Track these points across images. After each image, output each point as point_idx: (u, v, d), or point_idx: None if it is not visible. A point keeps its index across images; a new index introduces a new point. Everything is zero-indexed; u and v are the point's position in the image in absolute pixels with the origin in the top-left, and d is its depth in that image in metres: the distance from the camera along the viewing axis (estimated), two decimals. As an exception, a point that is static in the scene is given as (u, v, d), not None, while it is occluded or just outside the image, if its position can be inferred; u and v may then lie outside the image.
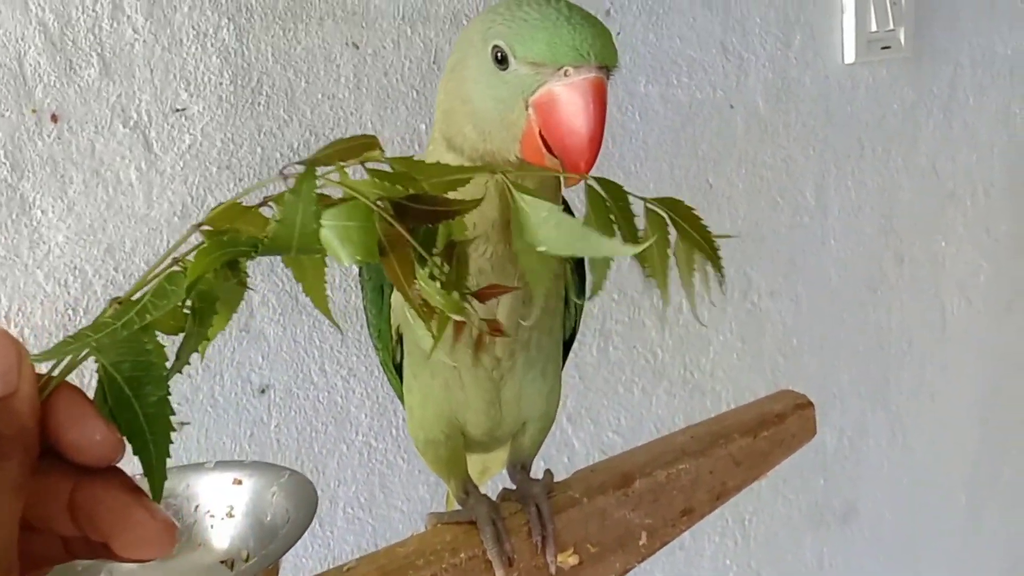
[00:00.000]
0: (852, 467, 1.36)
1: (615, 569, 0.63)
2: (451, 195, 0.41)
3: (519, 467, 0.65)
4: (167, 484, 0.58)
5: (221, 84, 0.80)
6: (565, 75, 0.46)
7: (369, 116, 0.87)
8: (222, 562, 0.56)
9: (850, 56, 1.23)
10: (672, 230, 0.50)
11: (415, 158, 0.41)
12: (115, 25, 0.76)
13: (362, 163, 0.40)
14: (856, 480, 1.37)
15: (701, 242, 0.51)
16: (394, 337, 0.62)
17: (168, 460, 0.36)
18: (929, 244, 1.39)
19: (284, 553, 0.48)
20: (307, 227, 0.36)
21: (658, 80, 1.06)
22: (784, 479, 1.28)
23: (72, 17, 0.74)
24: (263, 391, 0.85)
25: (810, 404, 0.74)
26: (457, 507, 0.63)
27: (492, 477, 0.75)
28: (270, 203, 0.38)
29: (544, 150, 0.48)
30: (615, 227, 0.48)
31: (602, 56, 0.46)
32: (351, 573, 0.56)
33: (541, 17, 0.47)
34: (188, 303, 0.37)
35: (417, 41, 0.88)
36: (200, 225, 0.37)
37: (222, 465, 0.58)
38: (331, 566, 0.72)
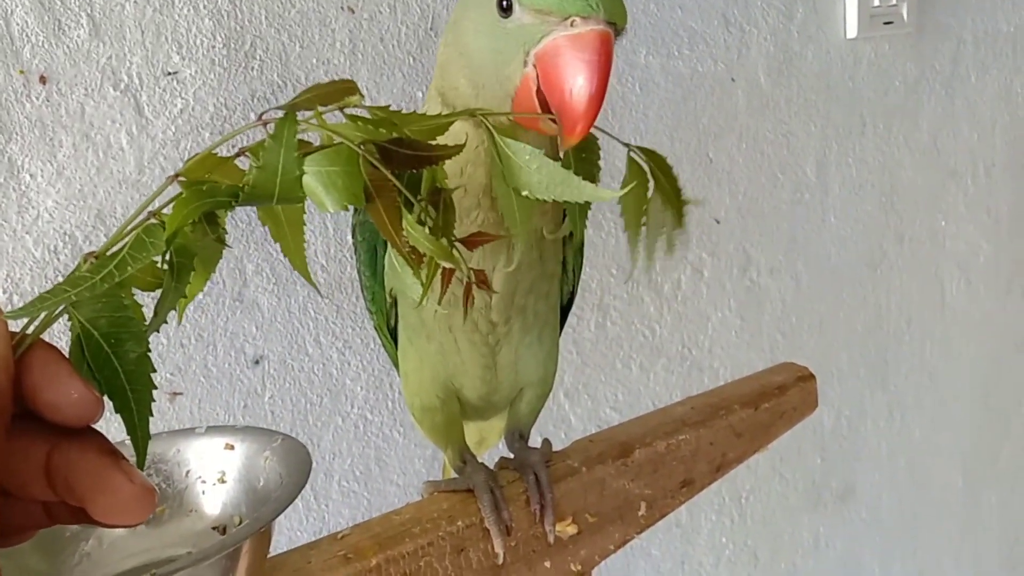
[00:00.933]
0: (850, 447, 1.35)
1: (614, 539, 0.62)
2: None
3: (517, 436, 0.64)
4: (157, 449, 0.57)
5: (214, 47, 0.78)
6: (571, 25, 0.45)
7: (365, 82, 0.85)
8: (214, 528, 0.55)
9: (852, 31, 1.21)
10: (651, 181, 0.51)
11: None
12: (105, -15, 0.74)
13: (341, 109, 0.39)
14: (854, 460, 1.36)
15: (673, 198, 0.52)
16: (388, 300, 0.60)
17: (151, 419, 0.35)
18: (929, 223, 1.38)
19: (277, 516, 0.47)
20: (289, 173, 0.35)
21: (659, 51, 1.05)
22: (781, 458, 1.27)
23: (61, -24, 0.72)
24: (257, 362, 0.84)
25: (812, 376, 0.73)
26: (454, 475, 0.62)
27: (490, 448, 0.74)
28: (247, 153, 0.37)
29: (539, 109, 0.47)
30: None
31: (611, 11, 0.45)
32: (345, 540, 0.56)
33: None
34: (166, 258, 0.35)
35: (414, 6, 0.87)
36: (176, 176, 0.35)
37: (213, 430, 0.57)
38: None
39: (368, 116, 0.38)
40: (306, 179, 0.36)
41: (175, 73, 0.77)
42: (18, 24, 0.71)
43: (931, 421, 1.45)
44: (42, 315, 0.33)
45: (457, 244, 0.41)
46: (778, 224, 1.20)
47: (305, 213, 0.39)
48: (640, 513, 0.63)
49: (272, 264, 0.83)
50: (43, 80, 0.73)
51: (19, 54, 0.72)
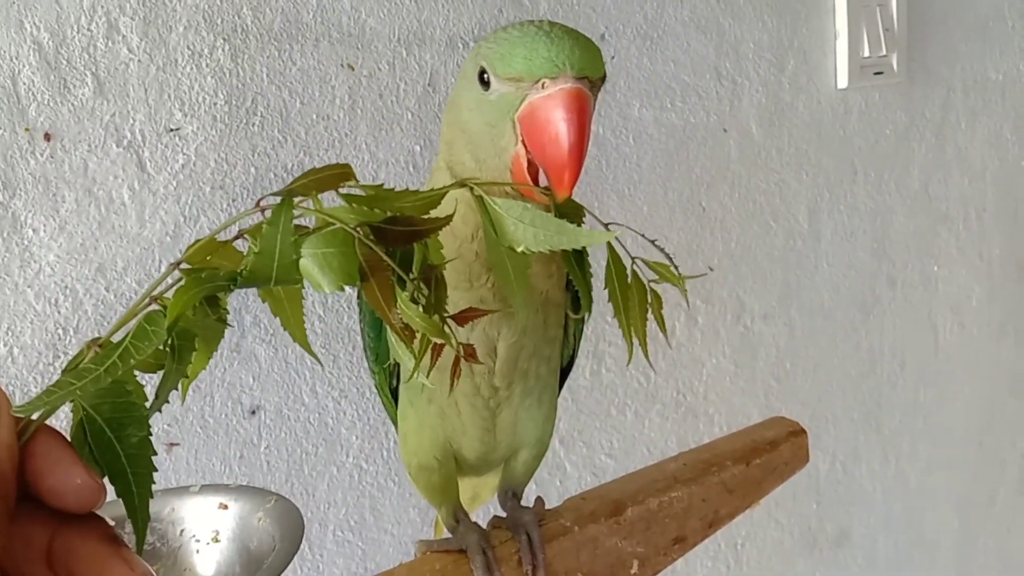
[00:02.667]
0: (845, 491, 1.35)
1: (606, 598, 0.62)
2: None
3: (510, 494, 0.65)
4: (151, 508, 0.58)
5: (215, 104, 0.80)
6: (543, 88, 0.46)
7: (364, 138, 0.87)
8: (208, 587, 0.56)
9: (843, 81, 1.23)
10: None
11: (404, 189, 0.41)
12: (110, 44, 0.76)
13: (337, 192, 0.40)
14: (849, 504, 1.36)
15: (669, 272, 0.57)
16: (391, 361, 0.61)
17: (150, 500, 0.35)
18: (922, 267, 1.40)
19: (269, 584, 0.48)
20: (286, 257, 0.36)
21: (652, 104, 1.06)
22: (777, 503, 1.27)
23: (67, 36, 0.74)
24: (253, 412, 0.85)
25: (803, 431, 0.73)
26: (446, 534, 0.62)
27: (483, 504, 0.75)
28: (245, 235, 0.38)
29: (530, 181, 0.48)
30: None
31: (580, 66, 0.46)
32: (339, 601, 0.56)
33: (521, 35, 0.47)
34: (167, 342, 0.36)
35: (413, 63, 0.88)
36: (179, 264, 0.37)
37: (207, 489, 0.58)
38: (319, 593, 0.71)
39: (362, 194, 0.40)
40: (302, 262, 0.37)
41: (177, 129, 0.78)
42: (25, 83, 0.73)
43: (926, 464, 1.46)
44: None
45: (449, 320, 0.42)
46: (771, 271, 1.21)
47: (303, 287, 0.40)
48: (633, 571, 0.63)
49: (269, 315, 0.84)
50: (48, 137, 0.74)
51: (25, 112, 0.73)
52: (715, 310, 1.17)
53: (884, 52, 1.26)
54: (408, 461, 0.64)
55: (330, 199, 0.39)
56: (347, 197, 0.39)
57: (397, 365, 0.63)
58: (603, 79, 0.49)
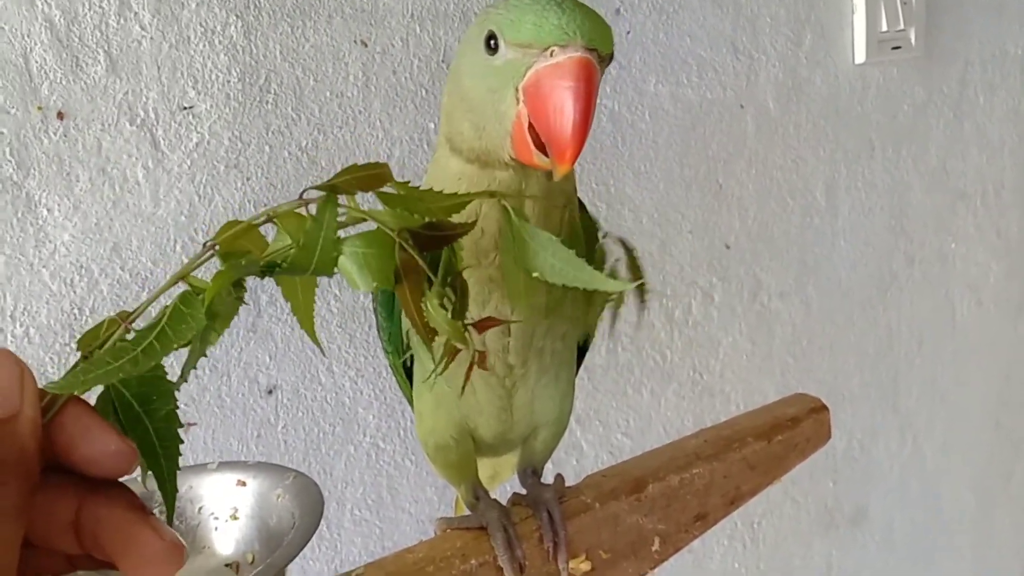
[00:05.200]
0: (862, 470, 1.35)
1: (628, 575, 0.62)
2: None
3: (530, 472, 0.64)
4: (171, 484, 0.58)
5: (229, 82, 0.79)
6: (551, 55, 0.45)
7: (377, 114, 0.86)
8: (227, 565, 0.55)
9: (860, 56, 1.22)
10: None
11: (423, 176, 0.41)
12: (122, 22, 0.75)
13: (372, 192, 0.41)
14: (866, 483, 1.36)
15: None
16: (405, 341, 0.61)
17: (178, 471, 0.35)
18: (939, 244, 1.38)
19: (290, 561, 0.47)
20: (327, 253, 0.37)
21: (668, 79, 1.05)
22: (793, 482, 1.27)
23: (79, 14, 0.73)
24: (270, 392, 0.84)
25: (825, 408, 0.73)
26: (467, 512, 0.62)
27: (502, 483, 0.74)
28: (274, 220, 0.38)
29: (532, 145, 0.47)
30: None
31: (590, 37, 0.45)
32: (360, 579, 0.56)
33: (533, 1, 0.46)
34: None
35: (426, 39, 0.87)
36: (213, 246, 0.37)
37: (225, 466, 0.58)
38: (337, 569, 0.71)
39: (397, 194, 0.41)
40: (341, 259, 0.38)
41: (191, 108, 0.78)
42: (37, 61, 0.72)
43: (943, 442, 1.45)
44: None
45: (470, 327, 0.43)
46: (788, 248, 1.20)
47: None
48: (654, 548, 0.63)
49: (285, 295, 0.84)
50: (61, 116, 0.73)
51: (37, 91, 0.72)
52: (731, 288, 1.16)
53: (902, 26, 1.24)
54: (425, 440, 0.63)
55: (363, 199, 0.40)
56: (384, 198, 0.40)
57: (410, 344, 0.62)
58: (611, 58, 0.48)
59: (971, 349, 1.45)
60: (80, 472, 0.32)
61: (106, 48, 0.74)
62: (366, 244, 0.38)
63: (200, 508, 0.57)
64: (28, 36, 0.72)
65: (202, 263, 0.37)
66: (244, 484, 0.56)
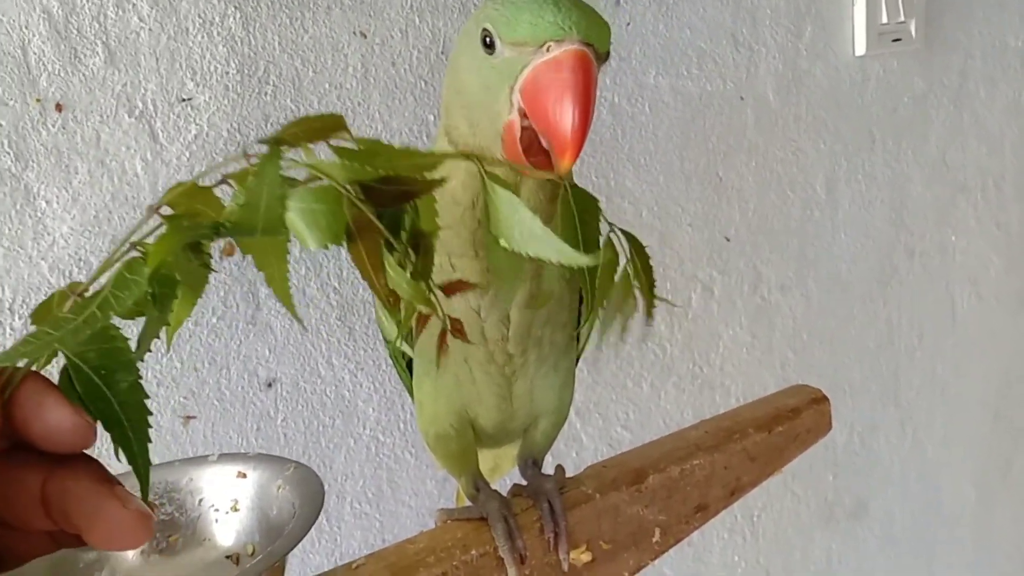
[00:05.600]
0: (862, 463, 1.35)
1: (628, 566, 0.62)
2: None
3: (530, 462, 0.64)
4: (170, 478, 0.58)
5: (227, 73, 0.79)
6: (548, 51, 0.45)
7: (376, 106, 0.85)
8: (227, 557, 0.55)
9: (861, 48, 1.21)
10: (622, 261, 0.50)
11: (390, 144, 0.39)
12: (120, 13, 0.75)
13: (328, 143, 0.38)
14: (866, 476, 1.36)
15: (644, 284, 0.52)
16: (399, 339, 0.61)
17: (161, 446, 0.35)
18: (940, 237, 1.38)
19: (291, 550, 0.47)
20: (272, 211, 0.35)
21: (668, 72, 1.05)
22: (794, 475, 1.27)
23: (77, 5, 0.73)
24: (270, 385, 0.84)
25: (825, 399, 0.73)
26: (467, 503, 0.62)
27: (503, 475, 0.74)
28: (229, 181, 0.36)
29: (520, 147, 0.46)
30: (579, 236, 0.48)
31: (586, 32, 0.45)
32: (360, 571, 0.56)
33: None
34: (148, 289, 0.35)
35: (425, 30, 0.87)
36: (158, 208, 0.35)
37: (226, 458, 0.57)
38: (338, 561, 0.71)
39: (352, 148, 0.38)
40: (289, 215, 0.35)
41: (189, 99, 0.78)
42: (35, 53, 0.72)
43: (943, 436, 1.45)
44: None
45: (464, 296, 0.41)
46: (788, 241, 1.20)
47: (289, 241, 0.38)
48: (654, 539, 0.63)
49: (285, 287, 0.83)
50: (59, 108, 0.73)
51: (36, 82, 0.72)
52: (731, 281, 1.15)
53: (902, 18, 1.24)
54: (425, 430, 0.63)
55: (323, 153, 0.38)
56: (339, 151, 0.37)
57: (409, 334, 0.62)
58: (607, 56, 0.48)
59: (972, 342, 1.45)
60: (40, 448, 0.32)
61: (104, 39, 0.74)
62: (314, 199, 0.35)
63: (200, 500, 0.57)
64: (26, 27, 0.71)
65: (141, 224, 0.34)
66: (244, 476, 0.56)
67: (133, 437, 0.33)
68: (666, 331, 1.11)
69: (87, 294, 0.34)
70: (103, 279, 0.35)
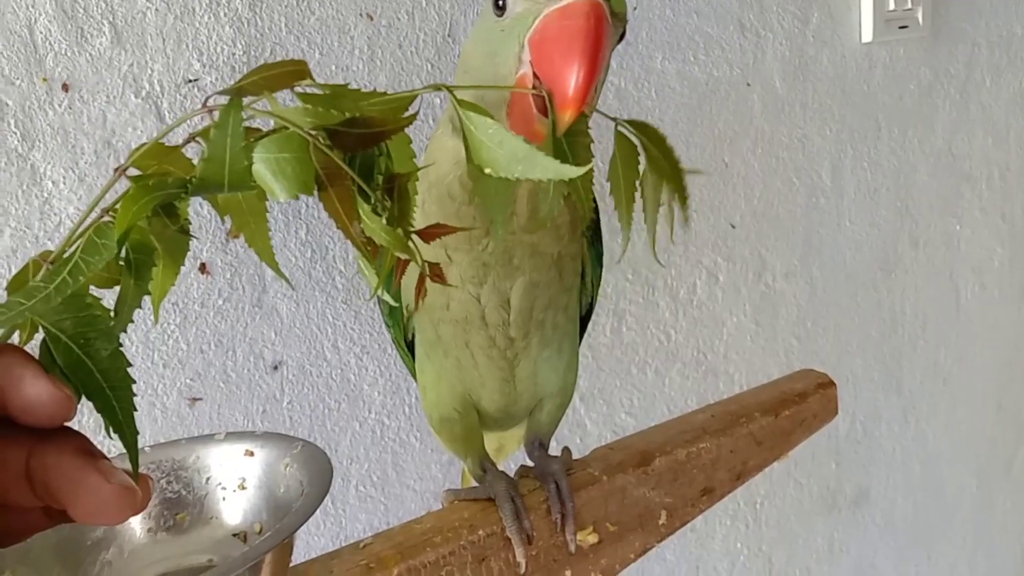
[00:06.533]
0: (865, 451, 1.35)
1: (634, 548, 0.62)
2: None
3: (537, 444, 0.64)
4: (176, 456, 0.57)
5: (234, 55, 0.79)
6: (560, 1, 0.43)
7: (383, 89, 0.85)
8: (235, 535, 0.55)
9: (867, 35, 1.21)
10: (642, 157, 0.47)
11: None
12: (126, -7, 0.74)
13: (292, 91, 0.37)
14: (868, 464, 1.36)
15: (669, 171, 0.47)
16: (405, 314, 0.61)
17: (135, 413, 0.33)
18: (944, 227, 1.38)
19: (299, 527, 0.47)
20: (237, 163, 0.33)
21: (675, 57, 1.05)
22: (796, 463, 1.27)
23: (83, -15, 0.73)
24: (276, 368, 0.84)
25: (832, 383, 0.73)
26: (474, 484, 0.62)
27: (509, 455, 0.74)
28: (197, 139, 0.35)
29: (533, 108, 0.45)
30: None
31: None
32: (367, 550, 0.56)
33: None
34: (123, 256, 0.34)
35: (432, 13, 0.87)
36: (124, 169, 0.34)
37: (233, 436, 0.57)
38: (344, 544, 0.71)
39: (317, 93, 0.36)
40: (255, 167, 0.34)
41: (196, 80, 0.77)
42: (41, 32, 0.72)
43: (945, 426, 1.45)
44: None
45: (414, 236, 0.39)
46: (793, 228, 1.20)
47: (267, 200, 0.37)
48: (661, 522, 0.63)
49: (291, 269, 0.83)
50: (66, 88, 0.73)
51: (42, 62, 0.72)
52: (736, 268, 1.15)
53: (909, 5, 1.23)
54: (430, 413, 0.63)
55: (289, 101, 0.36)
56: (303, 96, 0.36)
57: (410, 318, 0.62)
58: (624, 23, 0.47)
59: (975, 332, 1.45)
60: (21, 422, 0.31)
61: (111, 19, 0.74)
62: (279, 148, 0.34)
63: (208, 478, 0.56)
64: (33, 7, 0.71)
65: (109, 187, 0.34)
66: (252, 454, 0.56)
67: (118, 407, 0.33)
68: (670, 318, 1.11)
69: (59, 263, 0.33)
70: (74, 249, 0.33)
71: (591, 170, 0.49)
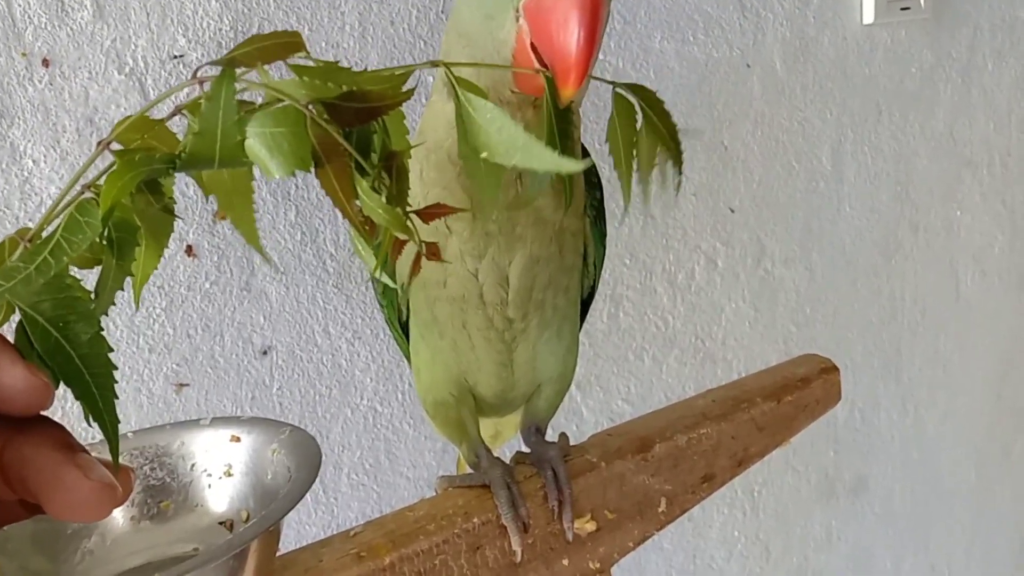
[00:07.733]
0: (863, 439, 1.34)
1: (633, 536, 0.60)
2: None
3: (533, 429, 0.62)
4: (160, 442, 0.55)
5: (220, 30, 0.76)
6: None
7: (374, 66, 0.83)
8: (220, 523, 0.54)
9: (869, 16, 1.19)
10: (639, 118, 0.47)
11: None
12: (109, -35, 0.72)
13: (286, 62, 0.35)
14: (867, 453, 1.35)
15: (665, 134, 0.48)
16: (400, 293, 0.59)
17: (116, 401, 0.32)
18: (945, 213, 1.36)
19: (287, 513, 0.45)
20: (229, 138, 0.32)
21: (674, 37, 1.02)
22: (794, 451, 1.25)
23: (63, -44, 0.70)
24: (265, 353, 0.82)
25: (835, 368, 0.71)
26: (469, 471, 0.60)
27: (505, 442, 0.73)
28: (184, 112, 0.33)
29: (536, 64, 0.43)
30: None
31: None
32: (358, 538, 0.54)
33: None
34: (104, 235, 0.32)
35: (425, -11, 0.85)
36: (107, 143, 0.32)
37: (219, 422, 0.55)
38: (335, 533, 0.69)
39: (312, 65, 0.35)
40: (249, 142, 0.32)
41: (181, 56, 0.75)
42: (20, 5, 0.69)
43: (944, 414, 1.44)
44: None
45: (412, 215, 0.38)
46: (793, 213, 1.18)
47: (253, 179, 0.35)
48: (660, 509, 0.61)
49: (280, 252, 0.81)
50: (46, 63, 0.71)
51: (21, 36, 0.70)
52: (735, 253, 1.14)
53: (911, -14, 1.21)
54: (424, 397, 0.61)
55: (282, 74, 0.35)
56: (298, 69, 0.34)
57: (404, 297, 0.60)
58: None
59: (975, 320, 1.44)
60: None
61: (93, -8, 0.72)
62: (274, 122, 0.32)
63: (193, 465, 0.55)
64: (11, -22, 0.69)
65: (91, 162, 0.32)
66: (238, 440, 0.55)
67: (98, 394, 0.31)
68: (668, 303, 1.09)
69: (38, 242, 0.31)
70: (54, 227, 0.31)
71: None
